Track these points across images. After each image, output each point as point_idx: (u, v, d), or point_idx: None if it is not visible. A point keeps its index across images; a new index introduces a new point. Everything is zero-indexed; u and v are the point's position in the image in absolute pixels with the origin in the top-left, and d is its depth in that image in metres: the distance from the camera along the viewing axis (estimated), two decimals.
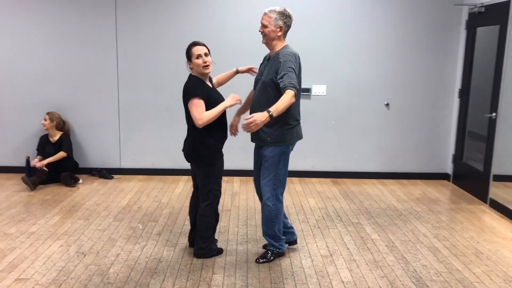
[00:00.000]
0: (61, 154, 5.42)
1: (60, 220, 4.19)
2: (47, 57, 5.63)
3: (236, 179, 5.75)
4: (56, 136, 5.51)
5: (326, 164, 5.91)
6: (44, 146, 5.49)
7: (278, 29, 3.25)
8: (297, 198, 5.01)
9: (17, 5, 5.52)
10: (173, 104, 5.67)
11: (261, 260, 3.42)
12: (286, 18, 3.28)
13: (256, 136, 3.33)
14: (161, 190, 5.24)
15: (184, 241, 3.79)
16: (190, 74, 3.38)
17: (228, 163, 5.79)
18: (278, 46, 3.31)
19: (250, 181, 5.66)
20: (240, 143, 5.81)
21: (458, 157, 5.66)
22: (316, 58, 5.68)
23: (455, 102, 5.77)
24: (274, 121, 3.12)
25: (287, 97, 3.04)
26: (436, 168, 5.92)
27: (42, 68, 5.65)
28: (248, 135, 3.44)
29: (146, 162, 5.88)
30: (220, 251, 3.57)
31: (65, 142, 5.51)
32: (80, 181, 5.46)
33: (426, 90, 5.78)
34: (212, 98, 3.28)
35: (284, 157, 3.34)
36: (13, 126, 5.77)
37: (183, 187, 5.35)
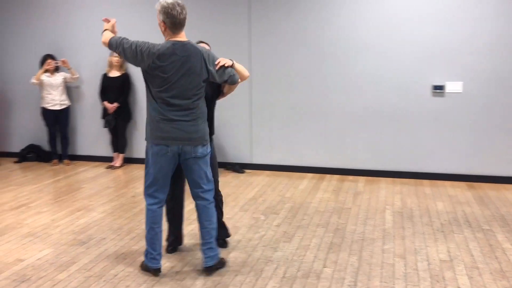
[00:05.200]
0: None
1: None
2: None
3: (362, 178, 5.70)
4: None
5: (461, 167, 5.51)
6: None
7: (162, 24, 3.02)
8: (424, 201, 4.79)
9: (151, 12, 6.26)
10: (301, 104, 5.90)
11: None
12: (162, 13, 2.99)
13: (193, 136, 3.08)
14: (286, 185, 5.48)
15: (301, 234, 3.94)
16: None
17: (355, 163, 5.84)
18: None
19: (376, 181, 5.58)
20: (367, 142, 5.77)
21: None
22: (450, 53, 5.35)
23: None
24: (204, 117, 3.17)
25: None
26: None
27: None
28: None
29: (274, 159, 6.18)
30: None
31: None
32: None
33: None
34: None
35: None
36: None
37: (307, 184, 5.50)
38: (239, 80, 3.27)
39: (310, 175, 5.91)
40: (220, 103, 6.20)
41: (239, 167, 6.17)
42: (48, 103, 6.59)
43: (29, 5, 6.83)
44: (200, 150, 3.12)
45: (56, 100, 6.60)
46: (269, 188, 5.38)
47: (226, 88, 3.47)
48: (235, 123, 6.26)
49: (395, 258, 3.44)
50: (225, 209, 4.61)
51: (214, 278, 3.18)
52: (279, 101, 6.04)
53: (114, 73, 6.43)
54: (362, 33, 5.59)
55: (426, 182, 5.51)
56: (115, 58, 6.33)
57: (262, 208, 4.64)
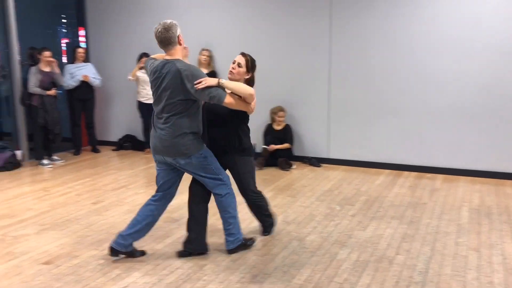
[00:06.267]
0: (286, 145, 6.35)
1: (273, 195, 5.01)
2: (271, 59, 6.58)
3: (440, 176, 5.70)
4: (281, 126, 6.46)
5: None
6: (268, 133, 6.51)
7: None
8: (504, 200, 4.73)
9: (245, 14, 6.65)
10: (379, 100, 6.01)
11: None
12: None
13: (169, 149, 3.28)
14: (362, 180, 5.63)
15: (375, 224, 4.12)
16: None
17: (433, 160, 5.84)
18: None
19: (454, 179, 5.56)
20: (446, 140, 5.75)
21: None
22: None
23: None
24: (183, 132, 3.26)
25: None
26: None
27: (267, 68, 6.65)
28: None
29: (351, 154, 6.33)
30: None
31: (290, 134, 6.43)
32: (294, 166, 6.28)
33: None
34: None
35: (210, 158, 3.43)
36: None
37: (383, 179, 5.61)
38: (226, 100, 3.34)
39: (386, 171, 6.01)
40: (298, 99, 6.48)
41: (315, 161, 6.41)
42: (143, 97, 7.25)
43: (129, 8, 7.56)
44: (182, 162, 3.30)
45: (150, 94, 7.21)
46: (345, 181, 5.57)
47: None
48: (313, 118, 6.50)
49: (469, 251, 3.51)
50: (301, 199, 4.89)
51: (292, 257, 3.48)
52: (357, 97, 6.18)
53: (203, 70, 6.91)
54: (444, 28, 5.58)
55: (508, 182, 5.39)
56: (203, 56, 6.84)
57: (338, 200, 4.86)
